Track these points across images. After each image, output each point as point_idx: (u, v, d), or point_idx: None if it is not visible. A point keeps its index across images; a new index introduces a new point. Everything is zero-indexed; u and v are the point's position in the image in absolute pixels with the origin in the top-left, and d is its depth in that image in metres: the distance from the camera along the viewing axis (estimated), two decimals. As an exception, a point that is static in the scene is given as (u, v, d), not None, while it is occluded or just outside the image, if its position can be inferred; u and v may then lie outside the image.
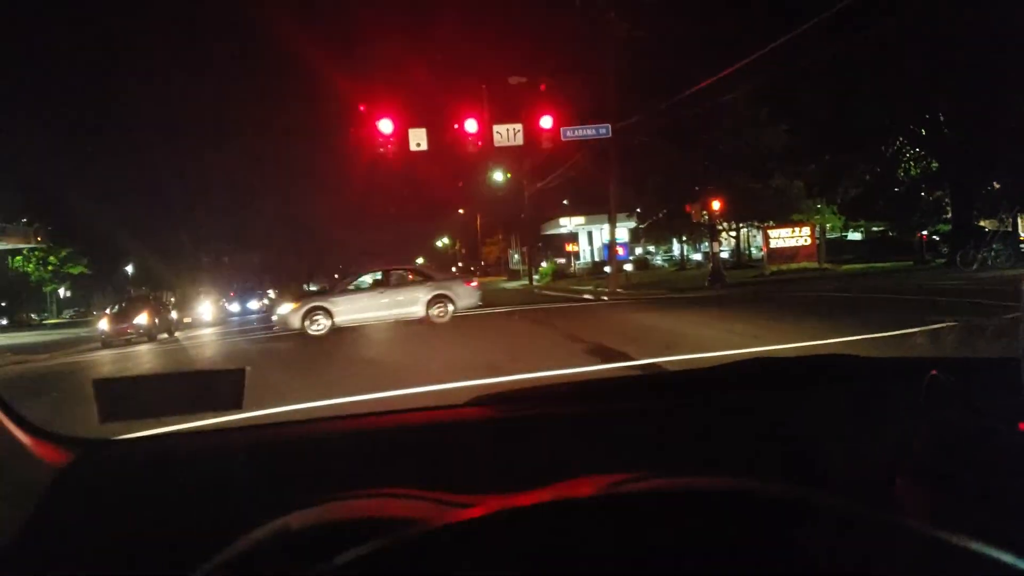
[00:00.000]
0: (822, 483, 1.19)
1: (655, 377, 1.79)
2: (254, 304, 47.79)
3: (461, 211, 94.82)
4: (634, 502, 0.81)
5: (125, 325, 25.33)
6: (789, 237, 32.31)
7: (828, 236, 39.76)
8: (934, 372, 1.19)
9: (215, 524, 1.09)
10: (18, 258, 39.71)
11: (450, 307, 19.14)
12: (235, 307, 45.59)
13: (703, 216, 31.69)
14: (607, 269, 37.31)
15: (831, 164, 32.06)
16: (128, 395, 1.54)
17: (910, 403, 1.21)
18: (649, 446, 1.37)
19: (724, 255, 38.51)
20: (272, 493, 1.18)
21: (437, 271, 23.39)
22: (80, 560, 1.17)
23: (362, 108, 21.85)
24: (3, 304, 38.50)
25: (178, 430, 1.59)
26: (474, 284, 21.43)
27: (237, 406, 1.48)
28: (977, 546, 0.68)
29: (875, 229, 41.05)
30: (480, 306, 21.00)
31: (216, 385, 1.58)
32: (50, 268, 40.41)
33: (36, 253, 39.66)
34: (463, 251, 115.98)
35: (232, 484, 1.28)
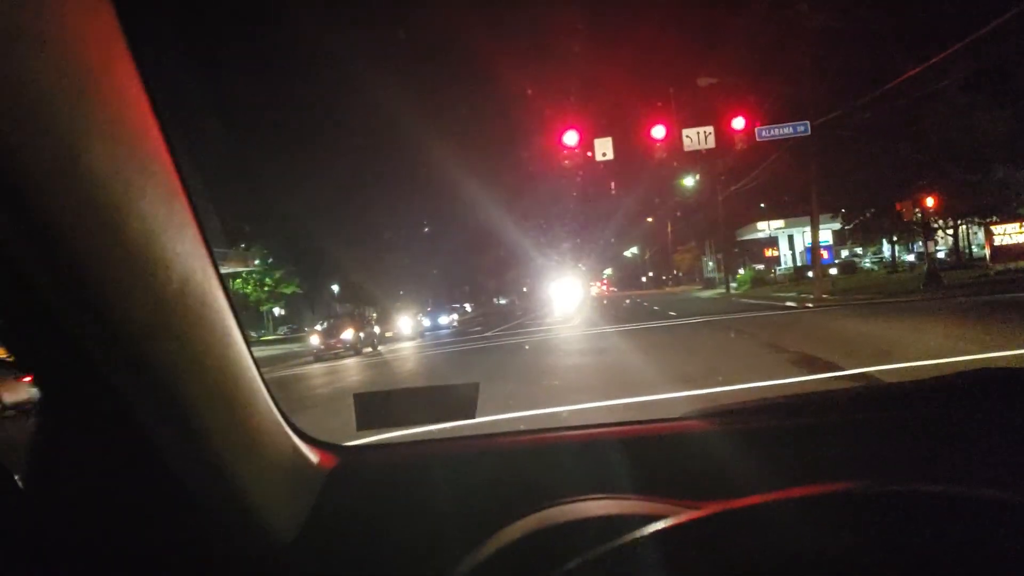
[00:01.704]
0: None
1: (867, 389, 1.74)
2: (443, 319, 49.58)
3: (650, 219, 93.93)
4: (853, 505, 0.82)
5: (334, 340, 27.01)
6: (1017, 233, 29.56)
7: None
8: None
9: (463, 526, 1.23)
10: (238, 280, 43.40)
11: None
12: (427, 322, 47.33)
13: (916, 214, 29.57)
14: (810, 274, 35.71)
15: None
16: (381, 406, 1.72)
17: None
18: (862, 460, 1.36)
19: (940, 255, 35.69)
20: (512, 496, 1.28)
21: None
22: (349, 558, 1.29)
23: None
24: (227, 323, 42.10)
25: (416, 435, 1.75)
26: (26, 379, 17.50)
27: (471, 415, 1.61)
28: None
29: None
30: (32, 401, 18.07)
31: (454, 397, 1.73)
32: (266, 289, 43.78)
33: (253, 276, 43.19)
34: (652, 260, 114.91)
35: (475, 488, 1.38)
